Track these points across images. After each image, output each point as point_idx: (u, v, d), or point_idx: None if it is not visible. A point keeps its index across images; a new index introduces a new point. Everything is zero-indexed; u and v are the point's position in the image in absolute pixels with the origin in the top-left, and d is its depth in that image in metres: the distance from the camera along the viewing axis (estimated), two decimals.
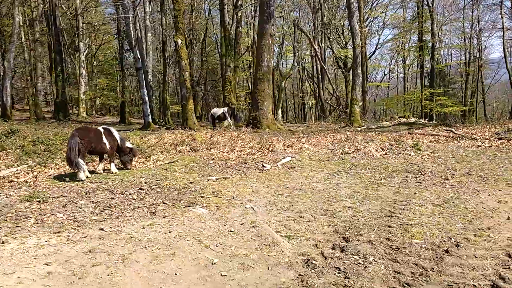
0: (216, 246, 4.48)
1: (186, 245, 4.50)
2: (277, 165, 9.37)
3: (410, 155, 9.96)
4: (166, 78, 27.09)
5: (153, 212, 5.80)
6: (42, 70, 34.05)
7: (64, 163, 9.38)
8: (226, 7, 23.17)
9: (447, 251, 4.22)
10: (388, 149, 10.62)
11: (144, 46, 24.79)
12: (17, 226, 5.31)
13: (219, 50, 28.44)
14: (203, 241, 4.62)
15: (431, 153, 10.24)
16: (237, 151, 11.02)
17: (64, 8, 35.30)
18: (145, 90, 21.26)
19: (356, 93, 20.22)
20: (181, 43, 18.23)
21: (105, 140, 8.49)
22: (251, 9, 35.33)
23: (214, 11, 35.67)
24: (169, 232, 4.98)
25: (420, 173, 8.04)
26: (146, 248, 4.44)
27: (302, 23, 38.51)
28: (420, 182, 7.36)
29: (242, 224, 5.25)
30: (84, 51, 37.87)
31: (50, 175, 8.64)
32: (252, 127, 17.20)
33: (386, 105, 38.26)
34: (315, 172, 8.59)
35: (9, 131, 13.26)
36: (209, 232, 4.94)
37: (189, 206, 6.04)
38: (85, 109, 36.37)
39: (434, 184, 7.22)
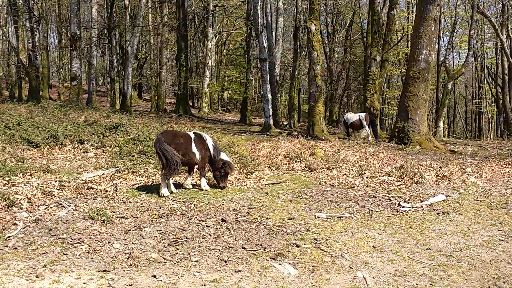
0: None
1: None
2: (421, 206, 7.94)
3: None
4: (296, 72, 26.82)
5: (225, 261, 5.12)
6: (167, 58, 37.20)
7: (155, 171, 9.61)
8: None
9: None
10: None
11: (273, 33, 24.93)
12: (64, 254, 5.23)
13: (364, 39, 26.95)
14: None
15: None
16: (367, 177, 9.84)
17: None
18: (268, 86, 21.25)
19: None
20: (315, 29, 17.53)
21: (194, 148, 8.23)
22: None
23: None
24: None
25: None
26: None
27: (486, 5, 34.24)
28: None
29: None
30: (214, 38, 40.24)
31: (135, 184, 8.80)
32: (397, 143, 15.63)
33: None
34: (480, 226, 6.86)
35: (114, 125, 14.35)
36: None
37: (274, 259, 5.19)
38: (208, 104, 38.69)
39: None
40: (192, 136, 8.37)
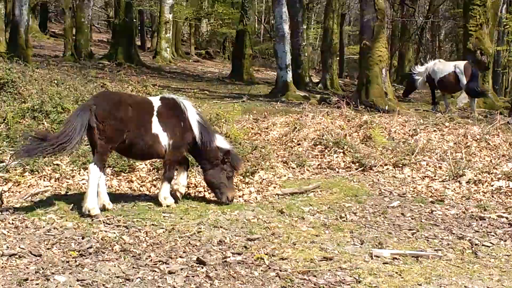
0: None
1: None
2: None
3: None
4: None
5: None
6: None
7: (73, 169, 9.23)
8: None
9: None
10: None
11: None
12: None
13: None
14: None
15: None
16: (467, 182, 9.59)
17: None
18: (285, 10, 20.13)
19: None
20: None
21: (157, 127, 7.84)
22: None
23: None
24: None
25: None
26: None
27: None
28: None
29: None
30: None
31: (36, 193, 8.35)
32: None
33: None
34: None
35: None
36: None
37: None
38: (171, 44, 37.91)
39: None
40: (156, 104, 8.01)
